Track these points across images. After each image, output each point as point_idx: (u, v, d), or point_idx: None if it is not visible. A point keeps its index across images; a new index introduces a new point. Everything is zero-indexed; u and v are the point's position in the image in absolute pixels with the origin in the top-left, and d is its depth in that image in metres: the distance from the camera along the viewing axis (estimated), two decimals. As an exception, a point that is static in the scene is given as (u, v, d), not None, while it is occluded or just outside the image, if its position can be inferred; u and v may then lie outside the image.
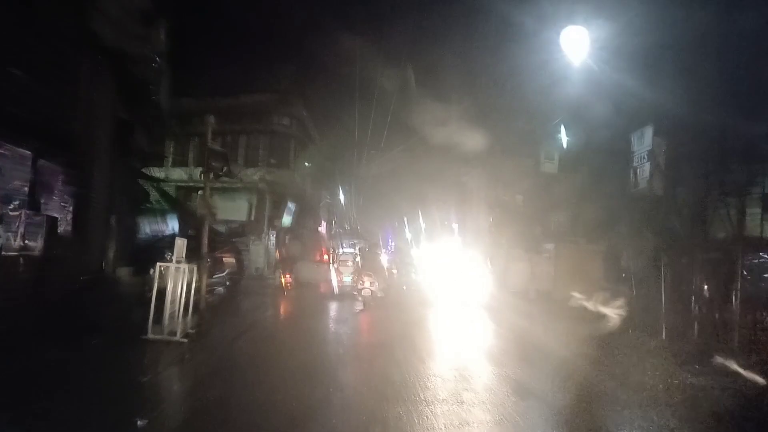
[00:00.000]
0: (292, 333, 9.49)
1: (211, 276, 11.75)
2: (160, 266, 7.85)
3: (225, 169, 11.61)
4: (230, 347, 7.80)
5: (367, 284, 13.02)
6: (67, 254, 7.74)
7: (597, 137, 15.66)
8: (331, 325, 11.06)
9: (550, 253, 19.55)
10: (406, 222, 44.08)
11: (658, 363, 7.48)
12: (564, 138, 20.85)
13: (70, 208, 7.87)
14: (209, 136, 11.21)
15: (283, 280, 16.15)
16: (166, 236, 19.61)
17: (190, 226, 14.83)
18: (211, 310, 10.76)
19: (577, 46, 12.30)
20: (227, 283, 12.59)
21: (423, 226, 42.24)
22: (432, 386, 5.87)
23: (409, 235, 45.12)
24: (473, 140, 23.89)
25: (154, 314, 7.67)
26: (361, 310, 12.93)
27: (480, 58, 22.26)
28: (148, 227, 23.61)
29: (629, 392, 5.92)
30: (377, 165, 30.54)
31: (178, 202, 20.04)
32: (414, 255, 38.43)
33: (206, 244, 11.22)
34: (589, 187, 17.06)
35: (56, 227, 7.52)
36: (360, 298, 13.14)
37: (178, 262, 8.13)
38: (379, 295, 13.94)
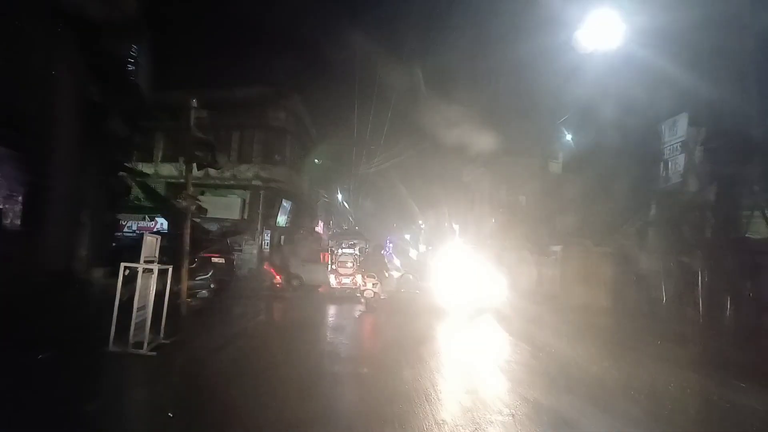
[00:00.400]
0: (281, 345, 8.27)
1: (193, 278, 10.62)
2: (125, 267, 6.72)
3: (210, 159, 10.48)
4: (206, 363, 6.62)
5: (369, 285, 12.70)
6: (15, 252, 6.61)
7: (608, 134, 14.66)
8: (328, 335, 9.89)
9: (556, 255, 18.92)
10: (406, 222, 43.10)
11: (701, 381, 6.42)
12: (570, 136, 19.96)
13: (19, 198, 6.74)
14: (192, 122, 10.10)
15: (273, 280, 15.12)
16: (158, 233, 18.51)
17: (177, 225, 13.77)
18: (192, 317, 9.64)
19: (593, 34, 11.36)
20: (212, 286, 11.42)
21: (423, 226, 41.25)
22: (450, 419, 4.75)
23: (407, 236, 44.10)
24: (477, 139, 22.91)
25: (120, 323, 6.58)
26: (360, 315, 12.12)
27: (485, 51, 21.22)
28: (135, 225, 22.67)
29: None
30: (377, 163, 29.56)
31: (165, 199, 18.86)
32: (413, 256, 37.41)
33: (188, 242, 10.12)
34: (598, 187, 16.12)
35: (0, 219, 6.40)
36: (363, 300, 12.79)
37: (148, 261, 7.02)
38: (382, 297, 13.51)
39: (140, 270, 6.68)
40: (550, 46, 14.83)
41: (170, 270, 7.59)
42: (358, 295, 13.41)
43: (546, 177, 20.94)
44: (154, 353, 6.71)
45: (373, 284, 12.70)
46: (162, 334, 7.46)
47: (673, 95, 9.19)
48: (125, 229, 21.54)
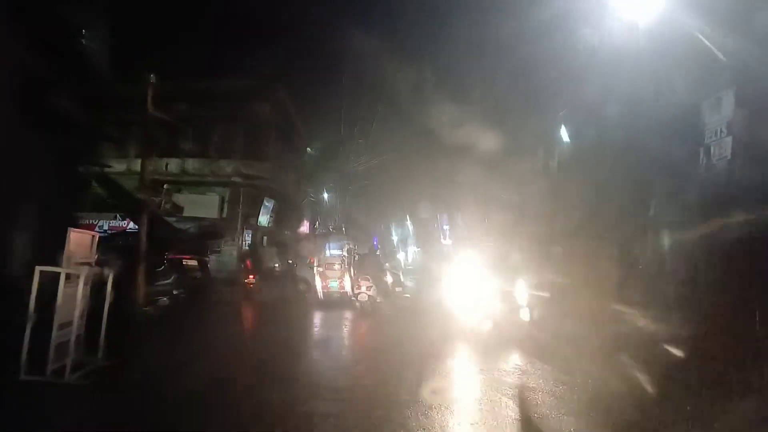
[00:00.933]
0: (249, 372, 6.46)
1: (153, 283, 9.11)
2: (41, 271, 5.23)
3: (170, 143, 9.01)
4: (149, 397, 5.02)
5: (364, 289, 12.07)
6: None
7: (615, 128, 13.48)
8: (311, 353, 8.34)
9: (557, 257, 17.85)
10: (395, 223, 41.83)
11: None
12: (574, 129, 18.75)
13: None
14: (150, 100, 8.64)
15: (246, 281, 13.75)
16: (125, 233, 16.93)
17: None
18: (148, 331, 8.14)
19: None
20: (174, 292, 9.89)
21: (413, 227, 39.97)
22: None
23: (395, 237, 42.77)
24: (470, 134, 21.65)
25: (33, 344, 5.10)
26: (353, 322, 10.98)
27: (480, 38, 19.97)
28: (106, 224, 21.05)
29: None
30: (366, 160, 28.24)
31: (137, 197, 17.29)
32: (401, 258, 36.08)
33: (145, 242, 8.65)
34: (603, 186, 14.93)
35: None
36: (357, 304, 12.10)
37: (75, 263, 5.53)
38: (378, 300, 12.82)
39: (62, 276, 5.18)
40: (549, 35, 13.65)
41: (110, 275, 6.08)
42: (353, 299, 12.43)
43: (547, 175, 19.76)
44: (84, 381, 5.25)
45: (367, 287, 12.05)
46: (101, 355, 6.00)
47: (712, 71, 7.90)
48: (96, 229, 20.01)
